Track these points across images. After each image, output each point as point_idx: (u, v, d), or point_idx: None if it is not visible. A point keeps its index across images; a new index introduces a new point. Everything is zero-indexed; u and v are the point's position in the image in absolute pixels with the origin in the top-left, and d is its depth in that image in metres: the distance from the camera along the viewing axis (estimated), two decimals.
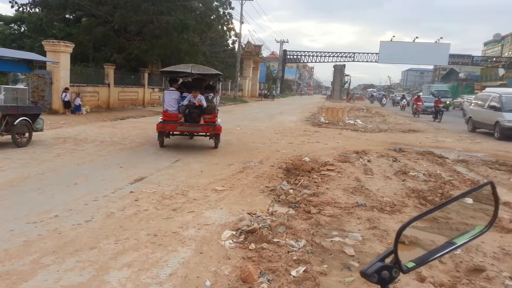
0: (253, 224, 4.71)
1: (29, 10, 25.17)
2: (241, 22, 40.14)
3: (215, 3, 29.23)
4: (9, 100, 9.73)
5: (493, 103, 17.22)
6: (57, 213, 5.07)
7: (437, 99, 26.94)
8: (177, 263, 3.80)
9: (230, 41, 41.99)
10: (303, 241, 4.33)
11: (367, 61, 66.25)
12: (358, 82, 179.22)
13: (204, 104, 10.21)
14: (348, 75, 75.54)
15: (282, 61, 70.41)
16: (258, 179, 7.49)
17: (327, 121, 20.99)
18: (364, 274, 1.06)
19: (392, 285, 1.09)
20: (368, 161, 9.41)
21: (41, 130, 10.65)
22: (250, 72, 54.10)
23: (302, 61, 79.16)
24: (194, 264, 3.80)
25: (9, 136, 9.53)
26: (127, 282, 3.42)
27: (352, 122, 21.27)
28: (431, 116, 26.39)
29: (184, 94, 10.51)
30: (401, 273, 1.08)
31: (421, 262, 1.11)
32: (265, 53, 64.21)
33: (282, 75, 74.21)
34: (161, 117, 10.69)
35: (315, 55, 68.39)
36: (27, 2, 24.57)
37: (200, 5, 27.15)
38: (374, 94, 70.47)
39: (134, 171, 7.68)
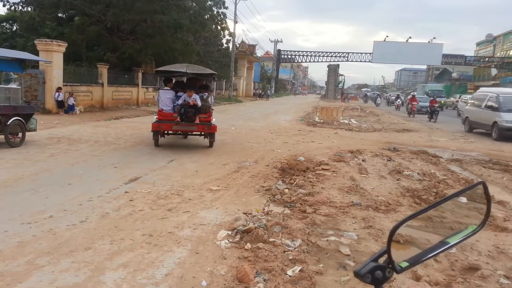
0: (248, 223, 4.70)
1: (21, 9, 24.97)
2: (235, 22, 40.19)
3: (209, 2, 29.21)
4: (2, 99, 9.65)
5: (490, 103, 16.96)
6: (51, 213, 5.03)
7: (432, 99, 26.79)
8: (172, 263, 3.79)
9: (224, 41, 42.05)
10: (299, 240, 4.34)
11: (361, 61, 66.55)
12: (352, 81, 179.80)
13: (199, 103, 10.27)
14: (342, 75, 75.81)
15: (277, 60, 70.49)
16: (254, 178, 7.48)
17: (321, 121, 21.03)
18: (357, 274, 1.06)
19: (387, 285, 1.09)
20: (363, 160, 9.44)
21: (35, 130, 10.58)
22: (245, 71, 54.08)
23: (296, 61, 79.35)
24: (190, 264, 3.80)
25: (2, 136, 9.44)
26: (122, 282, 3.40)
27: (346, 121, 21.34)
28: (427, 116, 26.30)
29: (179, 94, 10.54)
30: (395, 273, 1.08)
31: (414, 261, 1.12)
32: (259, 52, 64.29)
33: (276, 75, 74.28)
34: (156, 117, 10.69)
35: (309, 54, 68.57)
36: (19, 0, 24.39)
37: (194, 4, 27.10)
38: (368, 94, 70.75)
39: (128, 171, 7.65)
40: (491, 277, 3.71)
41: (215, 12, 30.02)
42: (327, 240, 4.51)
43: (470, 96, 29.51)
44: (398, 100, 39.62)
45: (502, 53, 62.35)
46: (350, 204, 5.89)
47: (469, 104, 20.11)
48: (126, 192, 6.17)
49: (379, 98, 49.58)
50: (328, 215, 5.37)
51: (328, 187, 6.87)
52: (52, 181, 6.69)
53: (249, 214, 5.28)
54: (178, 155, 9.55)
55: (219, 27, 34.72)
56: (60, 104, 17.94)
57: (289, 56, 70.69)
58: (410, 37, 71.20)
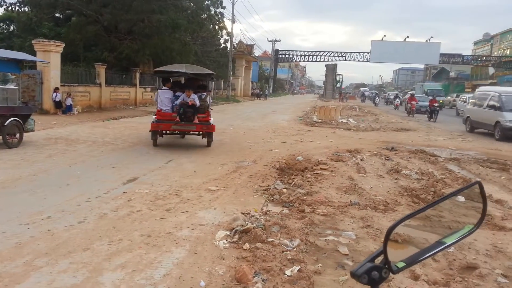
0: (247, 224, 4.70)
1: (17, 9, 24.90)
2: (233, 22, 40.13)
3: (207, 2, 29.13)
4: None
5: (492, 103, 16.62)
6: (49, 214, 5.02)
7: (432, 98, 26.33)
8: (171, 264, 3.79)
9: (222, 41, 42.02)
10: (297, 240, 4.34)
11: (358, 61, 66.51)
12: (350, 81, 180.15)
13: (198, 103, 10.32)
14: (340, 74, 75.73)
15: (274, 60, 70.47)
16: (252, 178, 7.48)
17: (320, 120, 21.04)
18: (354, 275, 1.06)
19: (385, 284, 1.09)
20: (361, 160, 9.45)
21: (32, 130, 10.55)
22: (243, 71, 54.06)
23: (294, 61, 79.27)
24: (188, 264, 3.79)
25: (0, 137, 9.42)
26: (121, 283, 3.40)
27: (344, 121, 21.35)
28: (426, 115, 25.98)
29: (178, 94, 10.59)
30: (391, 273, 1.08)
31: (411, 262, 1.12)
32: (257, 52, 64.21)
33: (274, 75, 74.28)
34: (155, 117, 10.73)
35: (307, 54, 68.52)
36: (16, 1, 24.32)
37: (192, 4, 27.05)
38: (366, 93, 70.77)
39: (126, 171, 7.64)
40: (489, 276, 3.72)
41: (212, 12, 29.96)
42: (326, 239, 4.52)
43: (470, 95, 29.45)
44: (397, 99, 39.30)
45: (499, 52, 62.52)
46: (348, 204, 5.90)
47: (470, 104, 19.69)
48: (124, 192, 6.16)
49: (377, 98, 49.20)
50: (326, 215, 5.38)
51: (326, 187, 6.88)
52: (50, 181, 6.68)
53: (247, 214, 5.28)
54: (177, 155, 9.54)
55: (216, 27, 34.69)
56: (58, 105, 17.90)
57: (287, 56, 70.67)
58: (407, 37, 71.26)
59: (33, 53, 16.82)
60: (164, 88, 10.90)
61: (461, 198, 1.22)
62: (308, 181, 7.18)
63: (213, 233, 4.57)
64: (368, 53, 64.60)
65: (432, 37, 69.79)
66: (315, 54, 67.55)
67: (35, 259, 3.77)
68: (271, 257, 3.87)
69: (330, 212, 5.51)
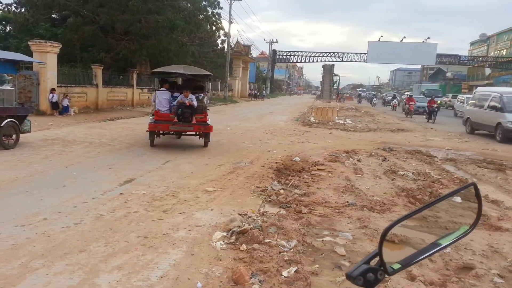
0: (244, 224, 4.70)
1: (14, 10, 24.82)
2: (230, 22, 40.11)
3: (204, 2, 29.12)
4: None
5: (493, 103, 16.18)
6: (45, 215, 5.01)
7: (430, 99, 25.87)
8: (168, 265, 3.78)
9: (219, 41, 41.95)
10: (294, 241, 4.34)
11: (355, 61, 66.75)
12: (347, 81, 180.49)
13: (195, 104, 10.39)
14: (337, 75, 75.96)
15: (272, 61, 70.55)
16: (249, 179, 7.48)
17: (317, 121, 21.06)
18: (349, 276, 1.05)
19: (382, 285, 1.09)
20: (358, 160, 9.47)
21: (29, 131, 10.51)
22: (240, 72, 54.05)
23: (291, 61, 79.41)
24: (185, 265, 3.79)
25: None
26: (117, 285, 3.39)
27: (341, 121, 21.38)
28: (424, 116, 25.56)
29: (175, 94, 10.66)
30: (387, 275, 1.08)
31: (406, 263, 1.12)
32: (254, 53, 64.26)
33: (271, 75, 74.36)
34: (152, 117, 10.80)
35: (305, 55, 68.69)
36: (12, 1, 24.23)
37: (189, 5, 27.02)
38: (363, 94, 70.90)
39: (123, 172, 7.62)
40: (485, 276, 3.73)
41: (209, 13, 29.93)
42: (323, 240, 4.52)
43: (468, 95, 29.31)
44: (395, 100, 38.99)
45: (495, 52, 62.80)
46: (345, 204, 5.91)
47: (470, 104, 19.26)
48: (121, 193, 6.15)
49: (375, 98, 49.16)
50: (323, 216, 5.38)
51: (323, 188, 6.89)
52: (46, 183, 6.66)
53: (244, 215, 5.28)
54: (174, 156, 9.53)
55: (214, 28, 34.67)
56: (55, 106, 17.84)
57: (284, 56, 70.77)
58: (404, 37, 71.71)
59: (30, 54, 16.76)
60: (162, 89, 10.96)
61: (457, 199, 1.22)
62: (305, 182, 7.19)
63: (210, 234, 4.56)
64: (365, 53, 64.82)
65: (428, 38, 69.84)
66: (313, 55, 67.72)
67: (31, 260, 3.75)
68: (268, 258, 3.87)
69: (327, 212, 5.51)
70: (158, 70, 11.34)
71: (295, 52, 70.00)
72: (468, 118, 18.38)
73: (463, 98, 29.49)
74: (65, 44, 20.34)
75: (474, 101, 18.70)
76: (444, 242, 1.17)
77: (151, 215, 5.22)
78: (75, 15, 24.00)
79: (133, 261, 3.84)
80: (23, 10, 25.01)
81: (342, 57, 65.84)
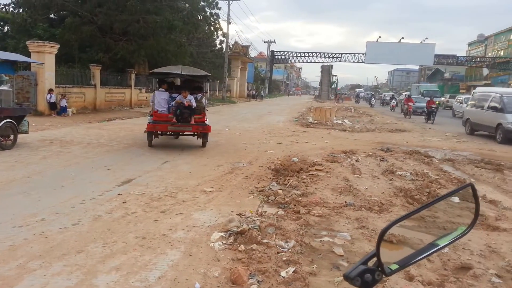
0: (242, 225, 4.70)
1: (12, 10, 24.78)
2: (228, 23, 40.09)
3: (202, 3, 29.10)
4: None
5: (493, 104, 15.98)
6: (43, 216, 4.99)
7: (429, 99, 25.74)
8: (166, 266, 3.78)
9: (217, 42, 41.92)
10: (293, 241, 4.34)
11: (354, 62, 66.91)
12: (346, 82, 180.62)
13: (194, 104, 10.45)
14: (335, 76, 76.03)
15: (270, 61, 70.58)
16: (247, 180, 7.48)
17: (315, 121, 21.07)
18: (347, 277, 1.06)
19: (380, 285, 1.09)
20: (356, 160, 9.47)
21: (26, 132, 10.48)
22: (238, 72, 54.06)
23: (289, 62, 79.45)
24: (183, 266, 3.78)
25: None
26: (115, 285, 3.38)
27: (340, 122, 21.40)
28: (423, 117, 25.38)
29: (174, 95, 10.71)
30: (384, 276, 1.08)
31: (404, 264, 1.12)
32: (252, 53, 64.28)
33: (270, 76, 74.35)
34: (149, 117, 10.83)
35: (303, 55, 68.80)
36: (10, 2, 24.20)
37: (187, 5, 27.01)
38: (361, 94, 70.96)
39: (121, 173, 7.61)
40: (483, 276, 3.74)
41: (208, 13, 29.93)
42: (321, 241, 4.52)
43: (467, 96, 29.22)
44: (393, 100, 38.88)
45: (493, 53, 62.99)
46: (343, 205, 5.91)
47: (469, 105, 18.99)
48: (119, 194, 6.14)
49: (373, 99, 49.06)
50: (321, 216, 5.38)
51: (321, 188, 6.89)
52: (44, 183, 6.64)
53: (242, 215, 5.27)
54: (172, 157, 9.52)
55: (212, 28, 34.65)
56: (52, 106, 17.81)
57: (282, 57, 70.82)
58: (402, 38, 71.39)
59: (28, 54, 16.73)
60: (160, 89, 10.99)
61: (455, 199, 1.23)
62: (304, 182, 7.19)
63: (208, 235, 4.56)
64: (363, 54, 64.96)
65: (426, 38, 70.14)
66: (311, 55, 67.83)
67: (28, 261, 3.74)
68: (266, 258, 3.86)
69: (325, 213, 5.51)
70: (157, 70, 11.36)
71: (294, 53, 70.11)
72: (468, 119, 18.16)
73: (461, 98, 29.41)
74: (63, 45, 20.31)
75: (473, 102, 18.45)
76: (442, 242, 1.18)
77: (149, 215, 5.21)
78: (73, 15, 23.97)
79: (131, 261, 3.83)
80: (21, 10, 25.00)
81: (341, 57, 65.97)
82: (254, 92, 58.01)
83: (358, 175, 7.99)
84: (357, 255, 4.15)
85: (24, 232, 4.47)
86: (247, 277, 3.48)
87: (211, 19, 31.00)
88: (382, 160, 9.69)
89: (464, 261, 4.06)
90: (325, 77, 71.01)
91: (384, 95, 54.10)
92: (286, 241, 4.36)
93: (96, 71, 21.97)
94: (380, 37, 74.60)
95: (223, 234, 4.54)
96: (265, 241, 4.31)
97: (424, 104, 26.11)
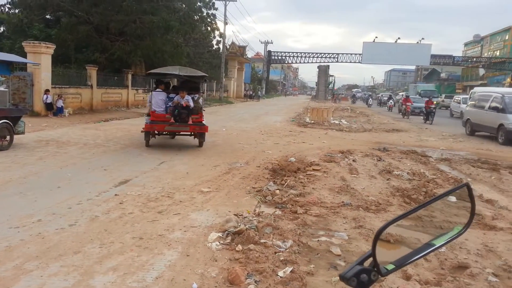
0: (239, 225, 4.70)
1: (7, 11, 24.68)
2: (225, 23, 40.05)
3: (199, 3, 29.08)
4: None
5: (495, 104, 15.60)
6: (40, 217, 4.97)
7: (428, 99, 25.15)
8: (163, 266, 3.77)
9: (214, 42, 41.91)
10: (290, 241, 4.34)
11: (350, 62, 66.92)
12: (343, 82, 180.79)
13: (191, 104, 10.50)
14: (332, 76, 76.15)
15: (267, 61, 70.59)
16: (245, 180, 7.48)
17: (312, 121, 21.09)
18: (343, 278, 1.05)
19: (378, 284, 1.09)
20: (353, 160, 9.49)
21: (23, 133, 10.44)
22: (235, 72, 54.04)
23: (286, 62, 79.44)
24: (180, 266, 3.78)
25: None
26: (112, 286, 3.37)
27: (337, 122, 21.43)
28: (422, 117, 25.00)
29: (171, 95, 10.76)
30: (380, 276, 1.08)
31: (400, 264, 1.12)
32: (249, 54, 64.28)
33: (267, 76, 74.38)
34: (147, 117, 10.88)
35: (300, 55, 68.83)
36: (6, 2, 24.10)
37: (184, 5, 26.99)
38: (358, 94, 71.08)
39: (118, 173, 7.59)
40: (480, 275, 3.75)
41: (204, 14, 29.92)
42: (318, 240, 4.52)
43: (465, 96, 29.23)
44: (391, 100, 38.73)
45: (489, 53, 63.30)
46: (340, 204, 5.92)
47: (469, 105, 18.58)
48: (116, 195, 6.12)
49: (370, 99, 48.95)
50: (319, 216, 5.38)
51: (319, 188, 6.89)
52: (40, 184, 6.62)
53: (240, 215, 5.27)
54: (169, 157, 9.51)
55: (209, 28, 34.62)
56: (49, 107, 17.75)
57: (279, 57, 70.83)
58: (399, 38, 71.68)
59: (24, 55, 16.68)
60: (158, 89, 11.02)
61: (452, 198, 1.23)
62: (301, 182, 7.19)
63: (205, 235, 4.55)
64: (360, 54, 65.04)
65: (423, 39, 70.48)
66: (308, 56, 67.87)
67: (25, 262, 3.73)
68: (264, 258, 3.86)
69: (323, 213, 5.52)
70: (155, 71, 11.45)
71: (291, 53, 70.16)
72: (468, 119, 17.75)
73: (459, 98, 29.29)
74: (59, 45, 20.25)
75: (474, 102, 18.11)
76: (438, 242, 1.18)
77: (146, 216, 5.20)
78: (69, 15, 23.91)
79: (128, 262, 3.82)
80: (17, 11, 24.90)
81: (337, 58, 66.04)
82: (251, 93, 58.02)
83: (355, 175, 8.01)
84: (355, 254, 4.15)
85: (20, 233, 4.45)
86: (245, 277, 3.48)
87: (208, 19, 30.99)
88: (379, 160, 9.71)
89: (461, 260, 4.07)
90: (322, 77, 71.12)
91: (382, 95, 53.95)
92: (284, 241, 4.36)
93: (92, 72, 21.91)
94: (376, 37, 74.90)
95: (220, 234, 4.54)
96: (262, 241, 4.30)
97: (422, 104, 25.94)
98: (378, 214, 5.59)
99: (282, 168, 8.29)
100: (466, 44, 75.72)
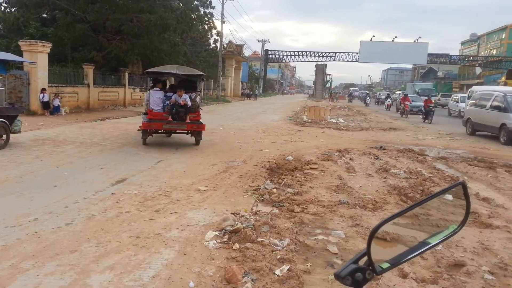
0: (237, 224, 4.70)
1: (3, 10, 24.56)
2: (222, 22, 40.06)
3: (196, 2, 29.03)
4: None
5: (496, 103, 15.24)
6: (36, 216, 4.96)
7: (427, 98, 24.76)
8: (160, 265, 3.77)
9: (211, 41, 41.84)
10: (287, 240, 4.34)
11: (347, 61, 67.10)
12: (340, 81, 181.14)
13: (189, 103, 10.58)
14: (329, 74, 76.20)
15: (264, 60, 70.60)
16: (242, 178, 7.48)
17: (309, 120, 21.11)
18: (337, 276, 1.05)
19: (374, 283, 1.09)
20: (350, 159, 9.50)
21: (19, 131, 10.40)
22: (232, 71, 53.98)
23: (284, 61, 79.55)
24: (177, 265, 3.77)
25: None
26: (109, 285, 3.36)
27: (334, 120, 21.45)
28: (420, 116, 24.73)
29: (168, 94, 10.82)
30: (375, 275, 1.08)
31: (395, 262, 1.12)
32: (247, 52, 64.24)
33: (264, 75, 74.38)
34: (144, 116, 10.97)
35: (297, 54, 68.87)
36: (2, 1, 24.00)
37: (181, 4, 26.93)
38: (355, 93, 71.14)
39: (115, 172, 7.58)
40: (476, 273, 3.76)
41: (202, 12, 29.89)
42: (315, 239, 4.53)
43: (463, 94, 29.19)
44: (388, 99, 38.52)
45: (486, 52, 63.48)
46: (337, 203, 5.93)
47: (470, 104, 18.16)
48: (112, 193, 6.11)
49: (368, 98, 48.80)
50: (316, 214, 5.39)
51: (316, 186, 6.90)
52: (37, 183, 6.60)
53: (237, 214, 5.27)
54: (166, 156, 9.49)
55: (206, 27, 34.56)
56: (45, 106, 17.67)
57: (276, 56, 70.87)
58: (396, 37, 71.98)
59: (20, 54, 16.59)
60: (155, 88, 11.04)
61: (448, 196, 1.23)
62: (298, 181, 7.20)
63: (202, 234, 4.55)
64: (357, 53, 65.14)
65: (420, 37, 70.53)
66: (305, 54, 67.91)
67: (21, 261, 3.72)
68: (261, 257, 3.87)
69: (320, 211, 5.52)
70: (152, 70, 11.46)
71: (288, 52, 70.23)
72: (469, 118, 17.33)
73: (457, 97, 29.22)
74: (56, 44, 20.17)
75: (474, 101, 17.69)
76: (433, 241, 1.18)
77: (143, 215, 5.19)
78: (65, 14, 23.81)
79: (125, 261, 3.82)
80: (13, 9, 24.77)
81: (335, 56, 66.12)
82: (248, 91, 57.97)
83: (352, 174, 8.02)
84: (351, 253, 4.16)
85: (16, 232, 4.43)
86: (242, 275, 3.48)
87: (205, 18, 30.97)
88: (376, 159, 9.73)
89: (457, 258, 4.09)
90: (319, 76, 71.17)
91: (379, 94, 53.87)
92: (281, 239, 4.36)
93: (89, 70, 21.84)
94: (373, 36, 75.01)
95: (217, 233, 4.54)
96: (259, 239, 4.31)
97: (421, 103, 25.77)
98: (375, 213, 5.60)
99: (279, 167, 8.29)
100: (463, 43, 75.92)
